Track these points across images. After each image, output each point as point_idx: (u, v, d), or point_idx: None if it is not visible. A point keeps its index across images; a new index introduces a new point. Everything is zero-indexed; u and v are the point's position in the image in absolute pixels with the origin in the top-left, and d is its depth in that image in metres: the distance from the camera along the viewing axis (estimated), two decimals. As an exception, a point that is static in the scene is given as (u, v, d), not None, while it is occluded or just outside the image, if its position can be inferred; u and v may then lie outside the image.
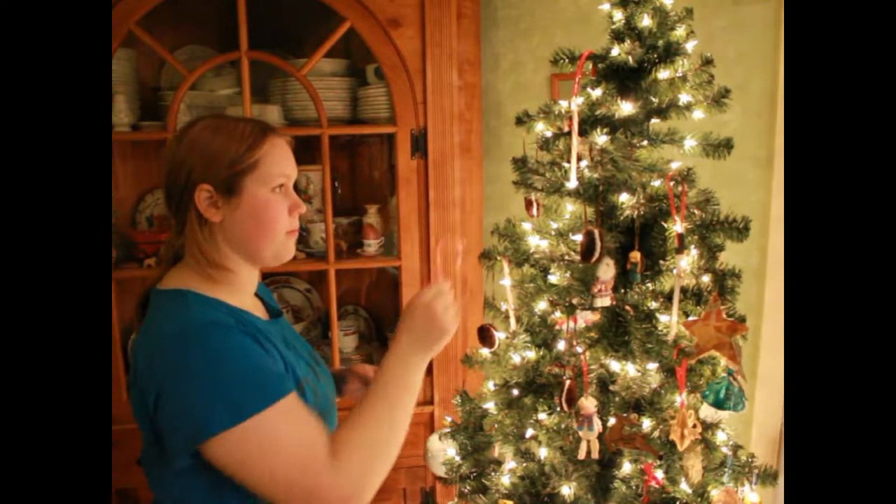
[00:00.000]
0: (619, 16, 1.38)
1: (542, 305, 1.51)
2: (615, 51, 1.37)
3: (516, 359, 1.55)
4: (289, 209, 1.21)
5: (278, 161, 1.20)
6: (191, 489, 1.15)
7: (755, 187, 2.41)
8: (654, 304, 1.39)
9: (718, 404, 1.33)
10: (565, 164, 1.38)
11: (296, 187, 1.27)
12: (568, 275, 1.43)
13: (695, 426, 1.31)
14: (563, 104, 1.42)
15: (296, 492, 1.09)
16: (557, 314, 1.49)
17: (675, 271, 1.32)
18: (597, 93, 1.40)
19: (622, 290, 1.41)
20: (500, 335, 1.59)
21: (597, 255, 1.29)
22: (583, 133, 1.37)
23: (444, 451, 1.74)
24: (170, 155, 1.18)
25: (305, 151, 2.22)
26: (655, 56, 1.34)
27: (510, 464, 1.57)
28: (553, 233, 1.48)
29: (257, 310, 1.29)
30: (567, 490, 1.45)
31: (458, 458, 1.68)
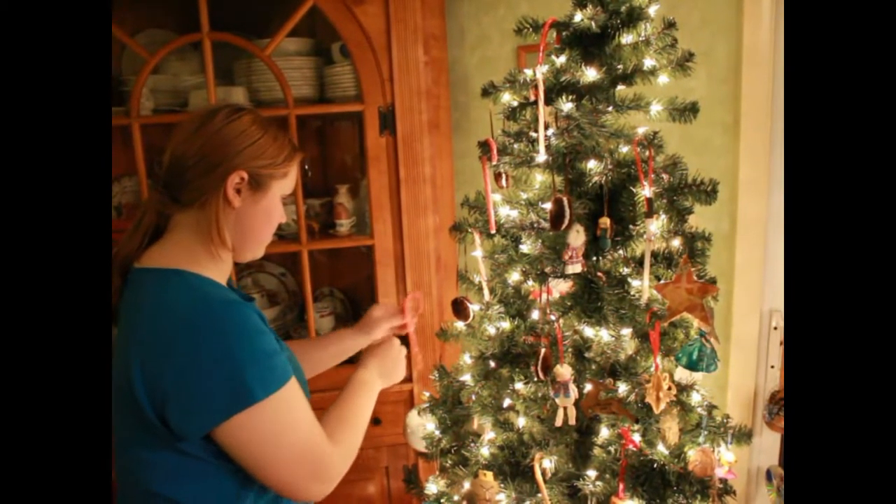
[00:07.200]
0: (581, -19, 1.38)
1: (514, 276, 1.51)
2: (578, 17, 1.36)
3: (491, 330, 1.56)
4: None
5: (294, 179, 1.33)
6: (185, 472, 1.16)
7: (723, 153, 2.42)
8: (625, 270, 1.40)
9: (692, 366, 1.34)
10: (533, 134, 1.38)
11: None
12: (539, 243, 1.43)
13: (670, 388, 1.32)
14: (529, 73, 1.41)
15: (301, 471, 1.18)
16: (530, 283, 1.49)
17: (645, 236, 1.33)
18: (561, 60, 1.39)
19: (594, 258, 1.41)
20: (474, 307, 1.59)
21: (566, 222, 1.30)
22: (549, 101, 1.36)
23: (423, 426, 1.74)
24: (214, 129, 1.21)
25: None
26: (618, 21, 1.33)
27: (489, 434, 1.58)
28: (523, 202, 1.47)
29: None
30: (547, 463, 1.46)
31: (437, 433, 1.69)
